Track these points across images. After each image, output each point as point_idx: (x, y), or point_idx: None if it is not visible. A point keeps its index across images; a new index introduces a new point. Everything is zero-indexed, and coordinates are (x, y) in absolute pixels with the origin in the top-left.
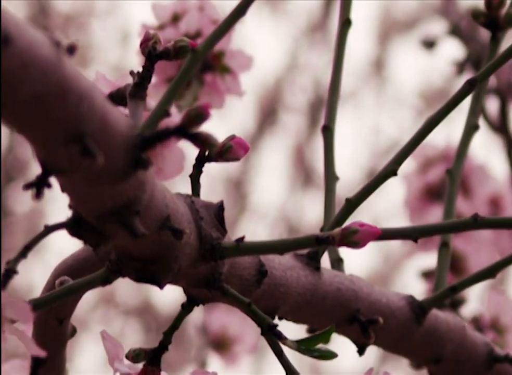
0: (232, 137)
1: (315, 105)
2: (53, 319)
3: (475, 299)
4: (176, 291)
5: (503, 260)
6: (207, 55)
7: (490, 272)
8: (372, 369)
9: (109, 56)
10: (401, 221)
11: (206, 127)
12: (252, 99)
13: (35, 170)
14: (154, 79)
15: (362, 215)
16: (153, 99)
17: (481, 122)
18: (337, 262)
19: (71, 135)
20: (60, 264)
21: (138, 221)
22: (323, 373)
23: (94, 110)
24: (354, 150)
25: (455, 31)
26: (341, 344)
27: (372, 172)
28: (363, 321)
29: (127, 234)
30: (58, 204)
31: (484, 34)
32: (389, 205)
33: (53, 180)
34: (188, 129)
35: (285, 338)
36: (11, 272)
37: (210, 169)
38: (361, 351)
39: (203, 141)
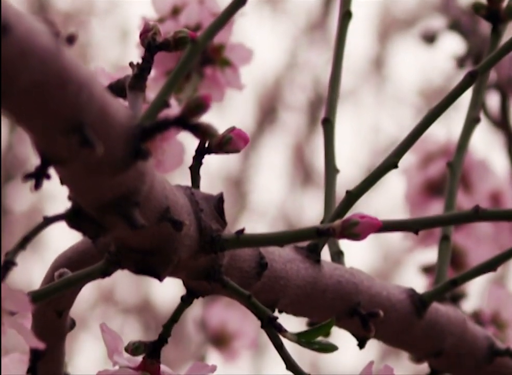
0: (232, 129)
1: (315, 103)
2: (52, 311)
3: (476, 294)
4: (176, 290)
5: (504, 253)
6: (207, 49)
7: (491, 265)
8: (372, 362)
9: (108, 54)
10: (401, 216)
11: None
12: (251, 97)
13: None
14: (153, 72)
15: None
16: (152, 92)
17: (481, 117)
18: (337, 255)
19: (70, 125)
20: (59, 257)
21: (138, 212)
22: (322, 370)
23: (94, 100)
24: (354, 148)
25: (455, 26)
26: (341, 340)
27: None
28: (364, 314)
29: (127, 225)
30: (57, 202)
31: (484, 28)
32: (389, 201)
33: (52, 174)
34: (187, 119)
35: (286, 330)
36: (10, 263)
37: (210, 167)
38: (361, 345)
39: (203, 132)
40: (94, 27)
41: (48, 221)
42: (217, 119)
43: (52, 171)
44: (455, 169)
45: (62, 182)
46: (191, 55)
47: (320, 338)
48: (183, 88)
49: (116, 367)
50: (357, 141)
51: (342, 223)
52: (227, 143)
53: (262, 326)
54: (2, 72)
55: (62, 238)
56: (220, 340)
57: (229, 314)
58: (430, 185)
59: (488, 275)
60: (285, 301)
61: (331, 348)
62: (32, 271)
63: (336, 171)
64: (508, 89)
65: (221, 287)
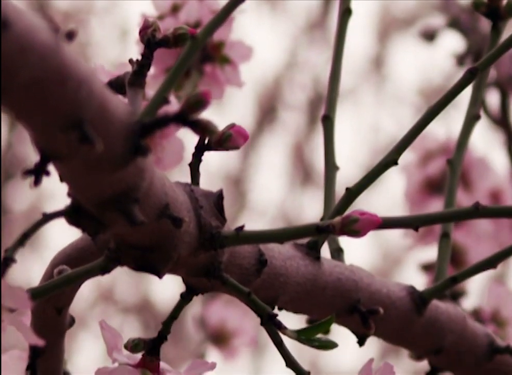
0: (232, 126)
1: (314, 102)
2: (52, 308)
3: (476, 292)
4: (175, 288)
5: (504, 250)
6: (207, 46)
7: (491, 263)
8: (372, 360)
9: (107, 53)
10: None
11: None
12: (251, 96)
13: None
14: (153, 69)
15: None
16: (152, 90)
17: (481, 115)
18: (337, 252)
19: (69, 121)
20: (58, 254)
21: (137, 209)
22: (322, 368)
23: (93, 96)
24: (354, 147)
25: (455, 24)
26: (340, 339)
27: None
28: (364, 311)
29: (126, 221)
30: (56, 201)
31: (484, 26)
32: (389, 199)
33: (52, 172)
34: (187, 116)
35: (285, 328)
36: (9, 260)
37: (210, 166)
38: (361, 342)
39: (202, 128)
40: (93, 26)
41: (47, 217)
42: (216, 117)
43: (51, 169)
44: (455, 166)
45: (62, 179)
46: (190, 51)
47: (320, 336)
48: (183, 85)
49: (116, 364)
50: (356, 140)
51: (341, 219)
52: (227, 140)
53: (262, 324)
54: (2, 68)
55: (62, 236)
56: (220, 338)
57: (229, 312)
58: (429, 183)
59: (488, 273)
60: (285, 298)
61: (331, 345)
62: (31, 269)
63: (336, 168)
64: (508, 87)
65: (221, 284)
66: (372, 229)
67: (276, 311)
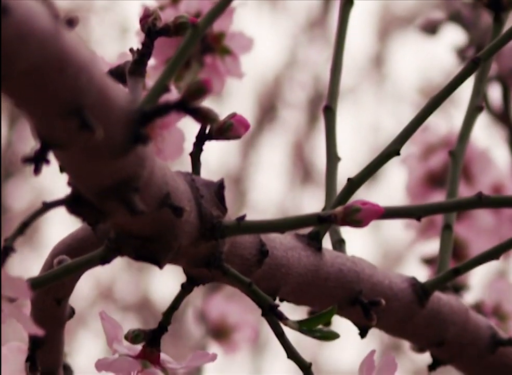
0: (233, 115)
1: (314, 101)
2: (51, 299)
3: (477, 287)
4: (175, 287)
5: (507, 241)
6: (207, 37)
7: (493, 254)
8: (374, 351)
9: (107, 51)
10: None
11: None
12: (251, 95)
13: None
14: (154, 61)
15: None
16: (152, 81)
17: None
18: (339, 243)
19: (69, 108)
20: (58, 244)
21: (138, 198)
22: (322, 366)
23: (93, 83)
24: (353, 146)
25: (456, 18)
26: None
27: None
28: (366, 302)
29: (126, 211)
30: (56, 208)
31: (486, 20)
32: (389, 195)
33: (51, 172)
34: (188, 103)
35: (287, 318)
36: (8, 249)
37: (210, 164)
38: (363, 334)
39: (203, 116)
40: (93, 24)
41: (47, 206)
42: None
43: (50, 169)
44: (457, 157)
45: (61, 169)
46: (191, 39)
47: (321, 327)
48: (183, 76)
49: (116, 355)
50: (356, 140)
51: (343, 209)
52: (228, 129)
53: (263, 314)
54: (1, 54)
55: (62, 235)
56: (221, 332)
57: (229, 306)
58: (431, 176)
59: (489, 269)
60: (287, 289)
61: (332, 336)
62: (30, 269)
63: (338, 158)
64: (510, 81)
65: (221, 275)
66: (374, 219)
67: (277, 302)
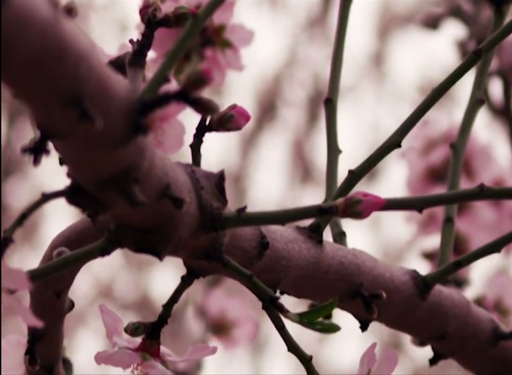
0: (234, 106)
1: (314, 100)
2: (51, 292)
3: (478, 283)
4: (175, 285)
5: (508, 234)
6: (208, 30)
7: (495, 247)
8: (375, 344)
9: (107, 49)
10: None
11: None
12: (251, 93)
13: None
14: (154, 54)
15: None
16: (152, 73)
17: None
18: (339, 236)
19: (68, 98)
20: (57, 236)
21: (137, 189)
22: (321, 365)
23: (93, 72)
24: (353, 144)
25: (457, 12)
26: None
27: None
28: (366, 295)
29: (126, 202)
30: (55, 199)
31: (486, 15)
32: (390, 192)
33: (50, 170)
34: (188, 94)
35: (287, 311)
36: (7, 240)
37: (209, 163)
38: (364, 327)
39: (204, 107)
40: (93, 22)
41: (46, 197)
42: None
43: (49, 167)
44: (458, 150)
45: (61, 161)
46: (192, 30)
47: (322, 319)
48: (184, 69)
49: (115, 348)
50: (356, 138)
51: (344, 201)
52: (228, 120)
53: (263, 307)
54: (1, 43)
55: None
56: (220, 328)
57: (229, 302)
58: (432, 172)
59: (490, 264)
60: (287, 281)
61: (333, 329)
62: (30, 266)
63: (339, 151)
64: (511, 76)
65: (222, 267)
66: (375, 211)
67: (277, 295)
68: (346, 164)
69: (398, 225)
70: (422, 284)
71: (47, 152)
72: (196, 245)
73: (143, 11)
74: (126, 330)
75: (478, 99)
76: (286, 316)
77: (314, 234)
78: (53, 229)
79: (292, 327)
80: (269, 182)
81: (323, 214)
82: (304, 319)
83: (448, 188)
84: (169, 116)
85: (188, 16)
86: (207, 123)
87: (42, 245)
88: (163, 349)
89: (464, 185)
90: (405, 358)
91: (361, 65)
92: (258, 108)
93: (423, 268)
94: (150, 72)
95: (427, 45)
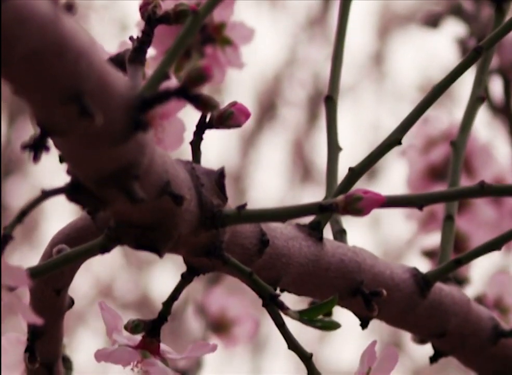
0: (234, 104)
1: (314, 99)
2: (51, 289)
3: (478, 282)
4: (175, 285)
5: (509, 232)
6: (208, 27)
7: (495, 245)
8: (375, 341)
9: (106, 49)
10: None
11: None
12: (251, 93)
13: (33, 164)
14: (153, 52)
15: None
16: (151, 71)
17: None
18: (339, 234)
19: (68, 94)
20: (57, 234)
21: (137, 186)
22: (321, 363)
23: (93, 68)
24: (353, 145)
25: (457, 11)
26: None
27: (370, 170)
28: (367, 293)
29: (126, 199)
30: (56, 200)
31: (487, 13)
32: (390, 192)
33: (52, 169)
34: (189, 90)
35: (288, 308)
36: (7, 237)
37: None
38: (364, 325)
39: (204, 103)
40: (92, 22)
41: (46, 194)
42: None
43: (48, 167)
44: (458, 148)
45: (61, 157)
46: (192, 27)
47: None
48: (184, 67)
49: (115, 345)
50: (356, 138)
51: (345, 198)
52: (228, 118)
53: (264, 304)
54: (1, 38)
55: None
56: (221, 326)
57: (230, 300)
58: (432, 170)
59: (491, 263)
60: (287, 279)
61: (333, 326)
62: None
63: (339, 148)
64: (511, 74)
65: (222, 264)
66: (375, 208)
67: (278, 293)
68: (346, 164)
69: (398, 224)
70: (423, 282)
71: (46, 149)
72: (197, 242)
73: (143, 8)
74: (126, 328)
75: (479, 96)
76: (286, 314)
77: (314, 231)
78: (53, 228)
79: (292, 326)
80: (269, 182)
81: (324, 212)
82: (304, 316)
83: (448, 186)
84: (169, 114)
85: (188, 13)
86: (207, 120)
87: (42, 244)
88: (163, 346)
89: (465, 183)
90: (405, 357)
91: (361, 65)
92: (258, 107)
93: (424, 267)
94: (150, 70)
95: (428, 45)
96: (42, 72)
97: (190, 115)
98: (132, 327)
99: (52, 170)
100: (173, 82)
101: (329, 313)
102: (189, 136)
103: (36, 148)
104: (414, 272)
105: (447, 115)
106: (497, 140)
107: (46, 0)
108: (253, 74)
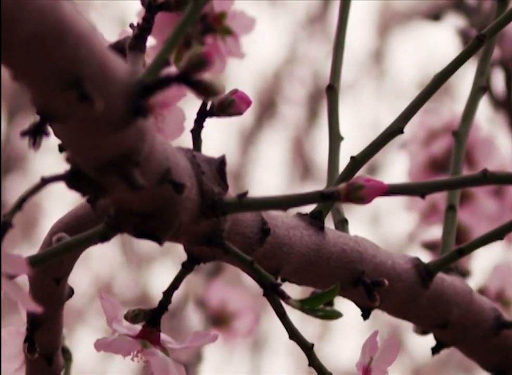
0: (235, 91)
1: (314, 97)
2: (50, 279)
3: (480, 275)
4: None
5: (511, 222)
6: (208, 17)
7: (498, 234)
8: (377, 332)
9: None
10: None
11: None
12: (251, 91)
13: (33, 162)
14: (153, 41)
15: None
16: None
17: (485, 97)
18: (341, 224)
19: (68, 79)
20: (57, 222)
21: (138, 173)
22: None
23: (93, 54)
24: (353, 142)
25: (459, 4)
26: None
27: (370, 164)
28: (368, 283)
29: (126, 185)
30: (55, 198)
31: (488, 6)
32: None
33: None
34: (189, 76)
35: (289, 297)
36: (7, 224)
37: None
38: (366, 315)
39: (205, 89)
40: (92, 19)
41: (46, 181)
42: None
43: (47, 167)
44: (460, 138)
45: (61, 146)
46: (192, 13)
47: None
48: (183, 56)
49: (115, 335)
50: (356, 135)
51: (347, 186)
52: (229, 106)
53: (265, 294)
54: (2, 22)
55: None
56: (221, 320)
57: (230, 293)
58: (433, 162)
59: (493, 257)
60: (289, 268)
61: (335, 315)
62: None
63: (340, 138)
64: None
65: (223, 253)
66: (378, 196)
67: (279, 282)
68: (346, 162)
69: (397, 222)
70: (425, 272)
71: (46, 134)
72: (197, 230)
73: None
74: (126, 317)
75: (481, 86)
76: (287, 303)
77: (316, 220)
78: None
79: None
80: (268, 180)
81: (325, 200)
82: (305, 306)
83: (450, 175)
84: (170, 103)
85: (188, 0)
86: (208, 108)
87: (41, 242)
88: (163, 336)
89: None
90: (405, 356)
91: (361, 63)
92: (258, 105)
93: (425, 259)
94: (150, 59)
95: (428, 42)
96: (42, 56)
97: (190, 105)
98: (132, 317)
99: (52, 167)
100: (173, 69)
101: (331, 303)
102: (189, 125)
103: (36, 134)
104: (416, 262)
105: (448, 110)
106: (499, 134)
107: None
108: (253, 72)
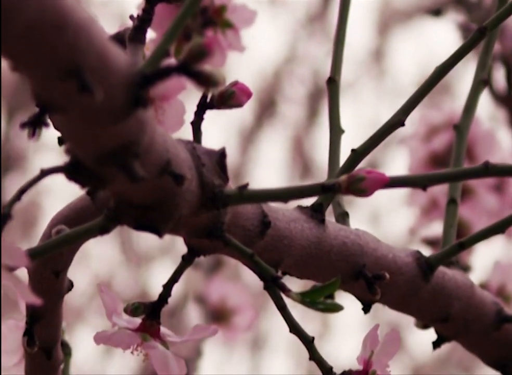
0: (235, 83)
1: (314, 96)
2: (50, 272)
3: (481, 270)
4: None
5: None
6: (209, 10)
7: (499, 228)
8: (378, 325)
9: None
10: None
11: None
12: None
13: (33, 161)
14: (153, 34)
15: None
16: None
17: (485, 93)
18: (342, 217)
19: (68, 69)
20: (56, 215)
21: (138, 164)
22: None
23: (93, 44)
24: (353, 141)
25: (459, 0)
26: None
27: (370, 163)
28: (369, 276)
29: (126, 177)
30: (55, 197)
31: (488, 1)
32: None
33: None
34: (190, 66)
35: (289, 290)
36: (6, 216)
37: None
38: (366, 309)
39: (206, 80)
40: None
41: (45, 173)
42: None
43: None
44: (461, 132)
45: (60, 139)
46: (192, 3)
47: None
48: (183, 49)
49: (115, 328)
50: (356, 134)
51: (348, 178)
52: (230, 97)
53: (265, 287)
54: (1, 11)
55: None
56: (221, 316)
57: (230, 289)
58: (434, 158)
59: (494, 252)
60: (289, 261)
61: (336, 308)
62: None
63: (341, 131)
64: None
65: (223, 246)
66: (379, 188)
67: (279, 275)
68: (346, 158)
69: (397, 220)
70: (426, 266)
71: (46, 125)
72: (197, 223)
73: None
74: (125, 310)
75: (482, 79)
76: (288, 296)
77: (316, 213)
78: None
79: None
80: (268, 179)
81: (326, 191)
82: (306, 298)
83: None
84: (170, 96)
85: None
86: (208, 100)
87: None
88: (163, 329)
89: None
90: (405, 355)
91: (361, 61)
92: (258, 104)
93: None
94: (149, 52)
95: (428, 40)
96: (42, 46)
97: (190, 98)
98: (132, 310)
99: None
100: (173, 61)
101: (331, 296)
102: (189, 117)
103: (35, 125)
104: (417, 255)
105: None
106: (499, 130)
107: None
108: (252, 70)
